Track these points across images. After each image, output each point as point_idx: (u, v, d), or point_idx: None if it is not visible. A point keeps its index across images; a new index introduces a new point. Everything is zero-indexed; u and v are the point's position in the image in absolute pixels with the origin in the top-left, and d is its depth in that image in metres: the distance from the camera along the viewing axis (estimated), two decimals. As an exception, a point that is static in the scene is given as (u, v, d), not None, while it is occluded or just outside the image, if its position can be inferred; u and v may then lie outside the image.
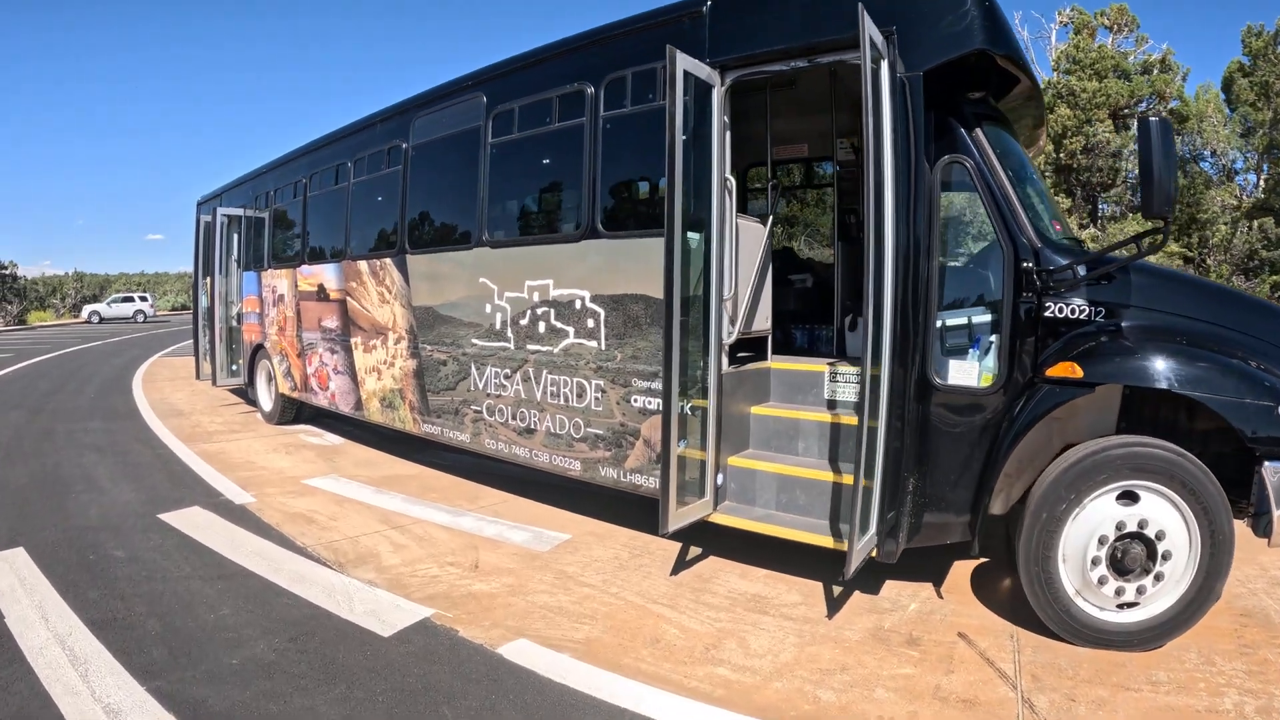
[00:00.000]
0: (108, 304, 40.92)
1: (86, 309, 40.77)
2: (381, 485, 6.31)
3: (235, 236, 10.07)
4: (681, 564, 4.54)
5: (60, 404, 10.71)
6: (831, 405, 4.61)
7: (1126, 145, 17.41)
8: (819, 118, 6.20)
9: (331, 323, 7.43)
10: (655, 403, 4.56)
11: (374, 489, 6.18)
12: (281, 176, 8.58)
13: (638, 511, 5.27)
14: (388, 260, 6.52)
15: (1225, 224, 16.37)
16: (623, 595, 4.07)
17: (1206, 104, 18.72)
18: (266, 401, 9.19)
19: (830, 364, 4.71)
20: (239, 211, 9.56)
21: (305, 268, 7.90)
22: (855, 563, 3.46)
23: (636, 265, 4.63)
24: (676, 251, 4.00)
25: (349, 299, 7.09)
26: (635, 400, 4.68)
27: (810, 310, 6.37)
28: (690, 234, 4.21)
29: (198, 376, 10.74)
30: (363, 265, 6.88)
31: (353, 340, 7.07)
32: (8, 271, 41.43)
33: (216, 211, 9.56)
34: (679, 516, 4.15)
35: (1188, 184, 18.00)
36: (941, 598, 3.98)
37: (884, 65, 3.63)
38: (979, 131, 3.85)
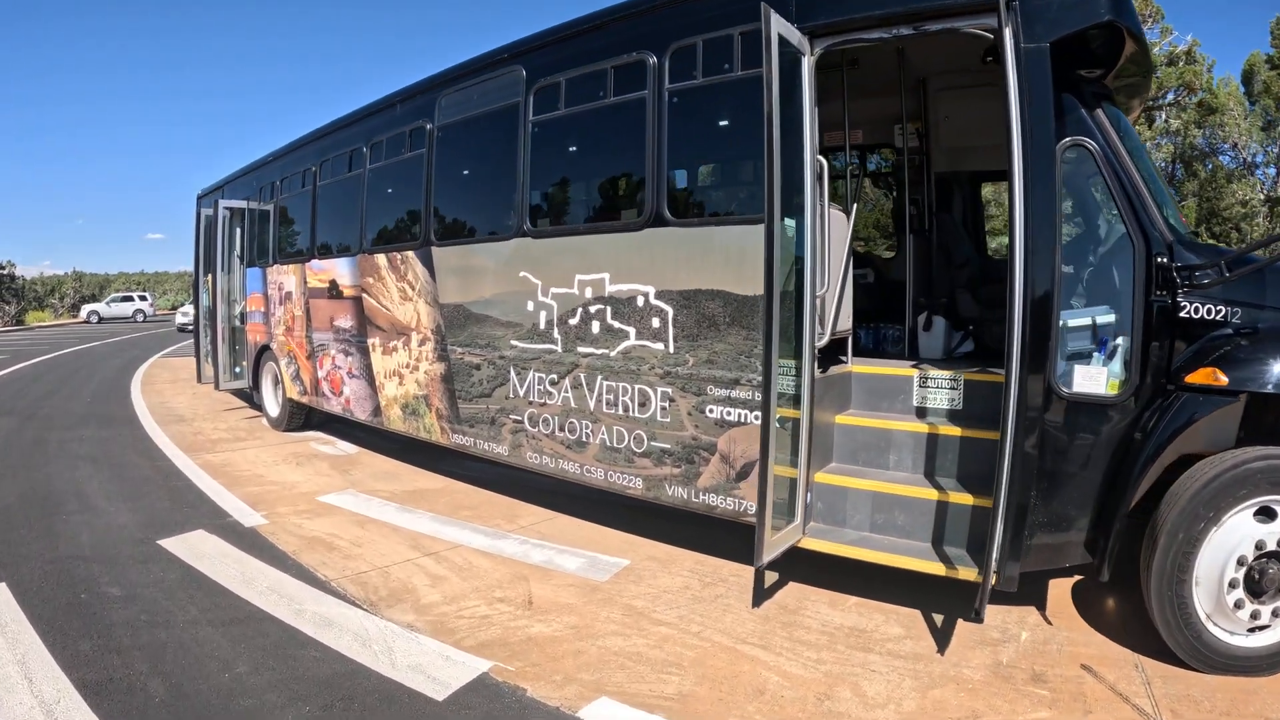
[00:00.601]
0: (107, 303, 40.01)
1: (85, 309, 39.86)
2: (406, 502, 5.67)
3: (238, 231, 9.42)
4: (762, 593, 3.97)
5: (54, 409, 10.03)
6: (921, 413, 4.12)
7: (1153, 138, 16.84)
8: (878, 101, 5.61)
9: (345, 322, 6.78)
10: (735, 413, 3.99)
11: (398, 507, 5.54)
12: (288, 165, 7.91)
13: (699, 531, 4.71)
14: (410, 254, 5.87)
15: (1265, 218, 15.88)
16: (707, 635, 3.49)
17: (1227, 96, 18.18)
18: (273, 407, 8.53)
19: (918, 368, 4.22)
20: (242, 204, 8.89)
21: (315, 263, 7.24)
22: (987, 595, 3.08)
23: (712, 257, 4.03)
24: (777, 240, 3.49)
25: (365, 296, 6.45)
26: (710, 411, 4.08)
27: (873, 308, 5.78)
28: (786, 220, 3.62)
29: (199, 380, 10.06)
30: (381, 259, 6.23)
31: (370, 341, 6.42)
32: (5, 271, 40.52)
33: (218, 204, 8.89)
34: (773, 545, 3.57)
35: (1209, 177, 17.47)
36: (1050, 623, 3.57)
37: (1008, 35, 3.13)
38: (1100, 112, 3.48)
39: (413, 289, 5.88)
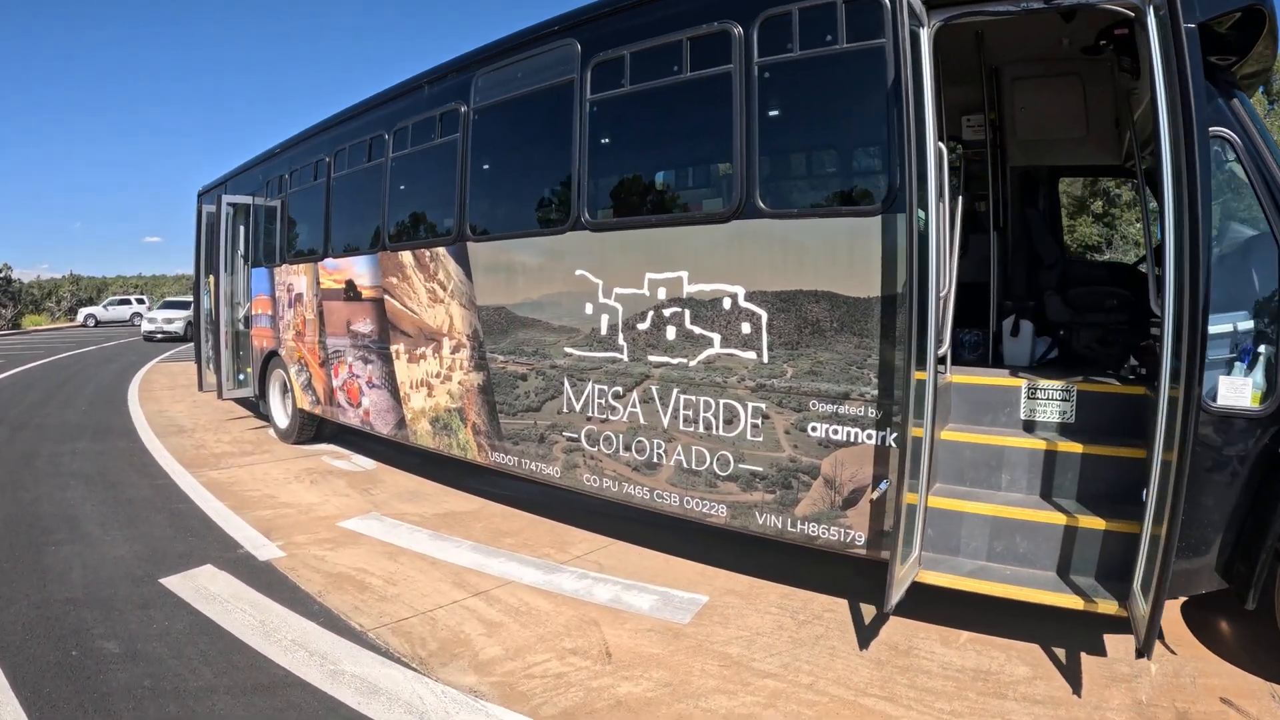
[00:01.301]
0: (104, 306, 38.82)
1: (82, 312, 38.72)
2: (439, 528, 5.03)
3: (241, 229, 8.76)
4: (863, 630, 3.49)
5: (47, 419, 9.31)
6: (1030, 427, 3.67)
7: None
8: (948, 90, 5.03)
9: (364, 326, 6.13)
10: (843, 432, 3.45)
11: (431, 534, 4.90)
12: (299, 157, 7.25)
13: (775, 558, 4.19)
14: (441, 250, 5.24)
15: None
16: (821, 687, 2.96)
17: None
18: (281, 417, 7.86)
19: (1025, 377, 3.76)
20: (247, 199, 8.22)
21: (330, 261, 6.58)
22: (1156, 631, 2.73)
23: (816, 254, 3.48)
24: (914, 233, 3.02)
25: (388, 297, 5.80)
26: (813, 429, 3.50)
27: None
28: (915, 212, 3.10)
29: (200, 388, 9.36)
30: (406, 257, 5.59)
31: (393, 347, 5.77)
32: (1, 274, 39.44)
33: (221, 200, 8.21)
34: (900, 583, 3.10)
35: None
36: (1174, 652, 3.26)
37: (1155, 14, 2.78)
38: (1235, 102, 3.20)
39: (444, 289, 5.23)
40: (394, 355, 5.78)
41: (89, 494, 5.80)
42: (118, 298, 41.17)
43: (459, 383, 5.19)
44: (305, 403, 7.19)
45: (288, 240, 7.48)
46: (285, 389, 7.78)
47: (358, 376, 6.26)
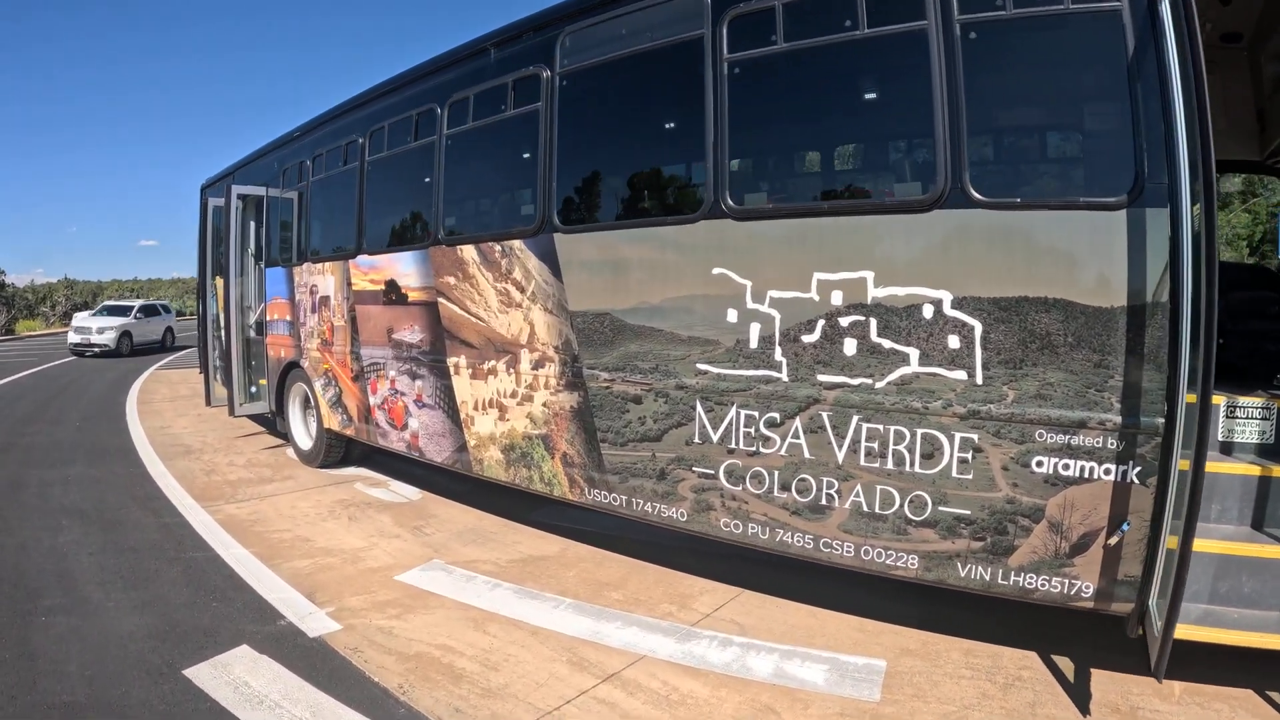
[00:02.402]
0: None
1: (77, 317, 36.92)
2: (523, 579, 4.04)
3: (253, 224, 7.69)
4: (1073, 689, 2.91)
5: (36, 437, 8.18)
6: (1228, 449, 3.10)
7: None
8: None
9: (411, 334, 5.11)
10: (1076, 466, 2.75)
11: (515, 588, 3.91)
12: (324, 140, 6.20)
13: (929, 606, 3.51)
14: (519, 244, 4.24)
15: None
16: None
17: None
18: (303, 437, 6.82)
19: (1223, 394, 3.13)
20: (259, 190, 7.15)
21: (364, 259, 5.56)
22: None
23: (1047, 253, 2.73)
24: (1186, 229, 2.42)
25: (444, 301, 4.79)
26: (1039, 464, 2.78)
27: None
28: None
29: (208, 403, 8.25)
30: (467, 252, 4.58)
31: (451, 360, 4.76)
32: None
33: (231, 191, 7.13)
34: (1165, 645, 2.48)
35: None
36: None
37: None
38: None
39: (521, 291, 4.24)
40: (452, 369, 4.77)
41: (85, 537, 4.75)
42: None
43: (544, 405, 4.20)
44: (334, 422, 6.16)
45: (310, 236, 6.43)
46: (308, 405, 6.74)
47: (402, 394, 5.25)
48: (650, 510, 3.78)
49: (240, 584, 3.98)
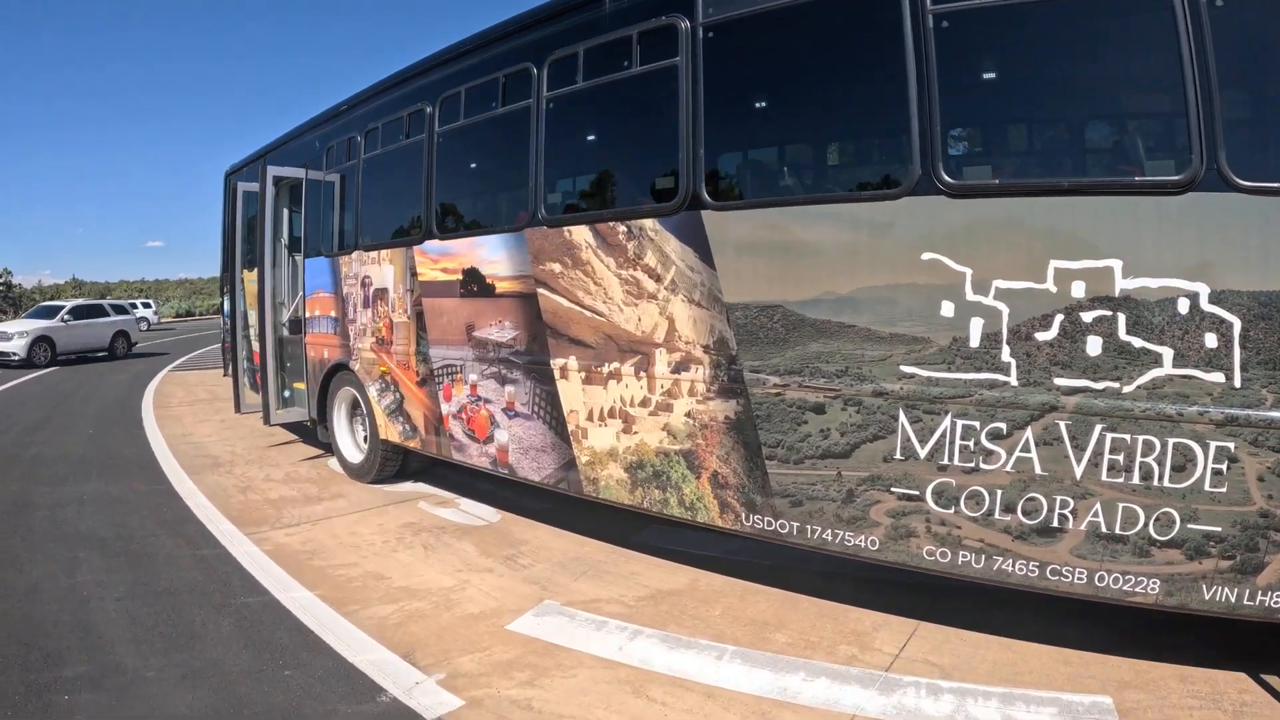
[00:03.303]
0: None
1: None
2: (662, 621, 3.18)
3: (286, 212, 6.80)
4: None
5: (45, 447, 7.24)
6: None
7: None
8: None
9: (500, 331, 4.23)
10: None
11: (659, 635, 3.04)
12: (379, 113, 5.30)
13: (1129, 627, 2.92)
14: (651, 224, 3.39)
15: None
16: None
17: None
18: (351, 449, 5.90)
19: None
20: (297, 173, 6.25)
21: (434, 245, 4.67)
22: None
23: None
24: None
25: (546, 292, 3.91)
26: None
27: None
28: None
29: (237, 409, 7.30)
30: (579, 235, 3.72)
31: (556, 362, 3.88)
32: (1, 280, 36.36)
33: (267, 172, 6.21)
34: None
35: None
36: None
37: None
38: None
39: (656, 280, 3.37)
40: (557, 372, 3.89)
41: (109, 576, 3.85)
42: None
43: (687, 415, 3.33)
44: (393, 433, 5.25)
45: (361, 221, 5.54)
46: (356, 412, 5.85)
47: (487, 401, 4.36)
48: (830, 538, 2.96)
49: (314, 641, 3.09)
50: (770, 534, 3.14)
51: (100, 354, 17.59)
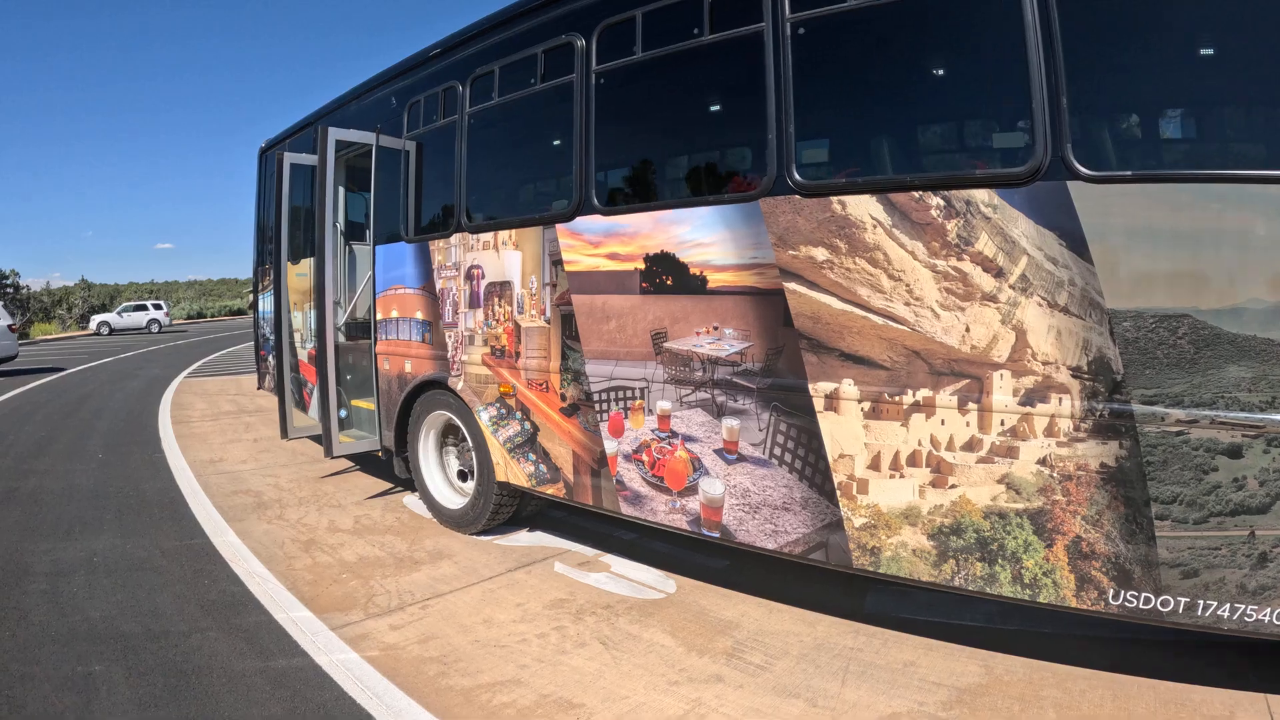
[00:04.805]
0: (118, 313, 33.25)
1: (95, 319, 33.07)
2: None
3: (342, 191, 5.33)
4: None
5: (47, 478, 5.71)
6: None
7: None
8: None
9: (715, 343, 2.80)
10: None
11: None
12: (496, 52, 3.84)
13: None
14: (986, 196, 2.12)
15: None
16: None
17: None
18: (445, 490, 4.42)
19: None
20: (367, 137, 4.77)
21: (592, 222, 3.23)
22: None
23: None
24: None
25: (799, 288, 2.53)
26: None
27: None
28: None
29: (284, 434, 5.74)
30: (862, 208, 2.37)
31: (818, 386, 2.48)
32: (9, 281, 34.38)
33: (328, 135, 4.71)
34: None
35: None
36: None
37: None
38: None
39: (998, 274, 2.09)
40: (819, 401, 2.48)
41: (142, 714, 2.38)
42: (133, 303, 35.69)
43: (1042, 462, 2.08)
44: (517, 474, 3.78)
45: (468, 193, 4.07)
46: (453, 443, 4.39)
47: (688, 438, 2.92)
48: (1226, 614, 2.00)
49: None
50: (1145, 614, 2.06)
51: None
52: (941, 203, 2.28)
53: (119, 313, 33.56)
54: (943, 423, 2.32)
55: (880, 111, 2.77)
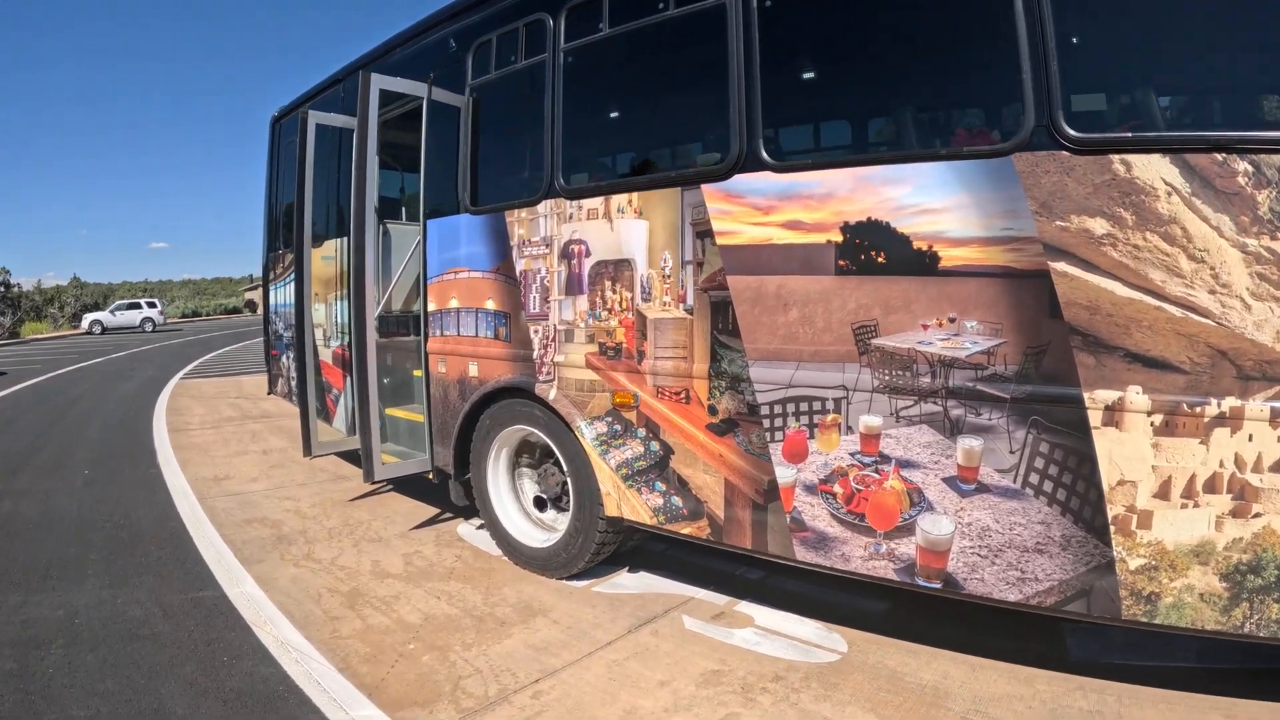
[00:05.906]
0: (111, 312, 31.76)
1: (87, 318, 31.58)
2: None
3: (376, 161, 4.39)
4: None
5: (24, 501, 4.72)
6: None
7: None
8: None
9: (948, 339, 1.94)
10: None
11: None
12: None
13: None
14: None
15: None
16: None
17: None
18: (524, 525, 3.48)
19: None
20: (417, 88, 3.83)
21: (757, 180, 2.33)
22: None
23: None
24: None
25: (1071, 269, 1.82)
26: None
27: None
28: None
29: (307, 452, 4.72)
30: (1152, 170, 1.70)
31: (1095, 394, 1.78)
32: (0, 280, 32.86)
33: (371, 85, 3.77)
34: None
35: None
36: None
37: None
38: None
39: None
40: (1095, 414, 1.72)
41: None
42: (126, 301, 34.28)
43: None
44: (638, 509, 2.87)
45: (561, 149, 3.14)
46: (527, 463, 3.48)
47: (905, 464, 2.05)
48: None
49: None
50: None
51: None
52: (1250, 168, 1.61)
53: (112, 311, 32.12)
54: (1250, 438, 1.70)
55: (1179, 49, 1.92)
